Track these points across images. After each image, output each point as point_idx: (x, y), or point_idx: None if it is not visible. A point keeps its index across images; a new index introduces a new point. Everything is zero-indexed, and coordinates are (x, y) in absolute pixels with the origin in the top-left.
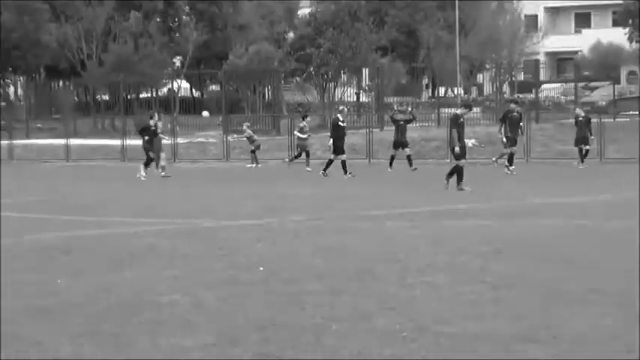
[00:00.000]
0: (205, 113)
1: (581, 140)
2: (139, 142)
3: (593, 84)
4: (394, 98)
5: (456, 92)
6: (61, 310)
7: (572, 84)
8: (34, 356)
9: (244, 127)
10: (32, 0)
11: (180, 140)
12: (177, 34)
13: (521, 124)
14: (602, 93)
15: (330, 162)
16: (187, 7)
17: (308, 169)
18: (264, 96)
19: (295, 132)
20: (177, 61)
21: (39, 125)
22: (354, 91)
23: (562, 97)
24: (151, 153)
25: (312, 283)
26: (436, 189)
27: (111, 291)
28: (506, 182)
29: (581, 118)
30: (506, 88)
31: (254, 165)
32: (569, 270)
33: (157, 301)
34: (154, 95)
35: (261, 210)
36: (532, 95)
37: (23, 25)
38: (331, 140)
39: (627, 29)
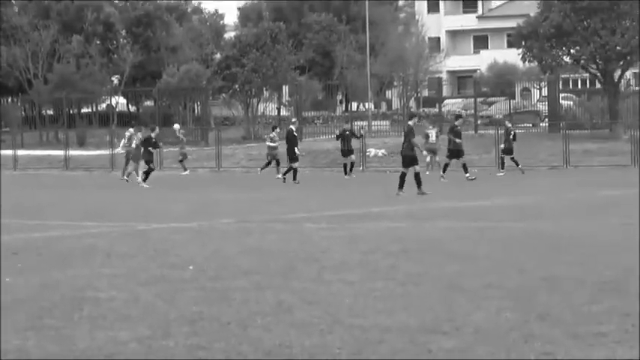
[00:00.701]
0: (176, 126)
1: (508, 151)
2: (80, 152)
3: (490, 99)
4: (311, 112)
5: (366, 107)
6: (7, 306)
7: (472, 99)
8: None
9: (176, 128)
10: None
11: (118, 151)
12: (115, 56)
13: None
14: (499, 107)
15: (291, 169)
16: (124, 31)
17: (278, 176)
18: (193, 110)
19: (267, 142)
20: (116, 79)
21: None
22: (275, 106)
23: (463, 110)
24: (152, 165)
25: (238, 279)
26: (352, 194)
27: (54, 288)
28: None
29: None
30: (412, 103)
31: (186, 173)
32: (470, 267)
33: (97, 297)
34: (95, 110)
35: (193, 213)
36: (436, 109)
37: None
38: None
39: (520, 50)
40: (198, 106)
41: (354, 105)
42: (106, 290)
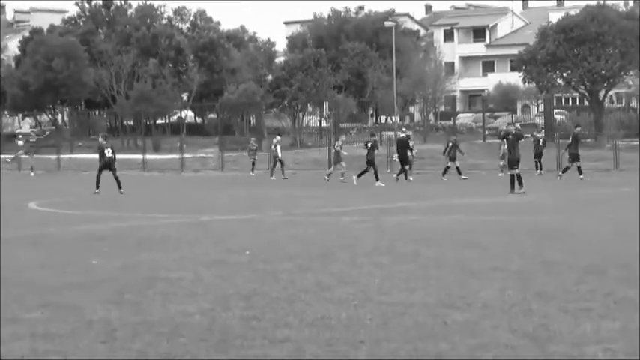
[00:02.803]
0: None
1: (537, 155)
2: (155, 156)
3: (496, 114)
4: (347, 124)
5: (393, 120)
6: (93, 284)
7: (481, 114)
8: (74, 319)
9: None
10: (76, 49)
11: (186, 155)
12: (184, 76)
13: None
14: (503, 121)
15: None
16: (192, 56)
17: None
18: (249, 122)
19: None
20: (185, 96)
21: (80, 144)
22: (317, 118)
23: (473, 123)
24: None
25: (285, 263)
26: (378, 193)
27: (133, 269)
28: (434, 187)
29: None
30: (431, 116)
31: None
32: (478, 253)
33: (168, 276)
34: (167, 121)
35: (249, 208)
36: (451, 122)
37: (69, 68)
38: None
39: (521, 73)
40: (253, 118)
41: (383, 118)
42: (176, 271)
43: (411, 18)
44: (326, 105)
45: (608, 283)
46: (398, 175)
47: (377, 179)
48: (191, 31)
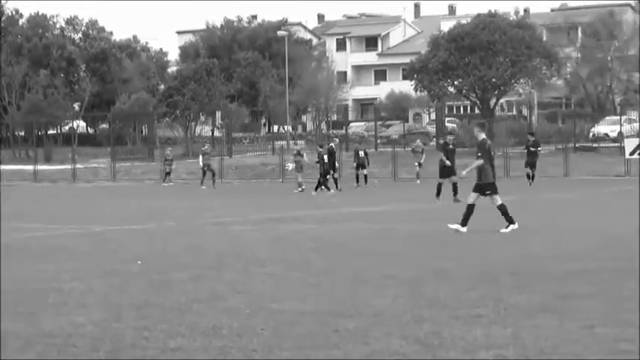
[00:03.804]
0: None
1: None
2: (46, 167)
3: (388, 122)
4: (240, 133)
5: (285, 129)
6: None
7: (373, 123)
8: None
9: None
10: None
11: (78, 165)
12: (76, 86)
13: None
14: (395, 129)
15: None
16: (84, 66)
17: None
18: (141, 132)
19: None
20: (76, 106)
21: None
22: (210, 128)
23: (365, 132)
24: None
25: (179, 272)
26: (272, 201)
27: (25, 280)
28: (325, 197)
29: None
30: (324, 125)
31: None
32: (370, 261)
33: (60, 287)
34: (59, 132)
35: (142, 218)
36: (343, 131)
37: None
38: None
39: (413, 82)
40: (145, 128)
41: (275, 127)
42: (68, 282)
43: (304, 27)
44: (218, 114)
45: (499, 290)
46: (321, 186)
47: (315, 189)
48: (83, 41)
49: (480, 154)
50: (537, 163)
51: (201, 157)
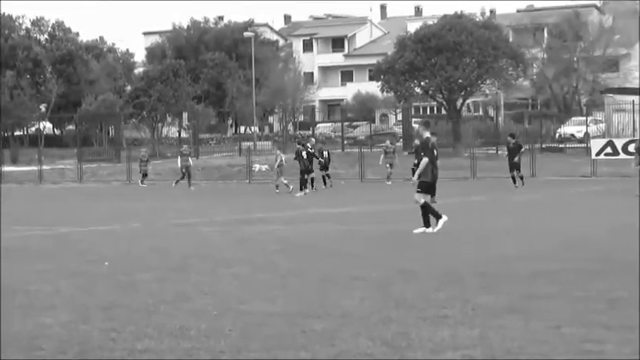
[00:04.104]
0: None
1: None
2: (12, 168)
3: (354, 123)
4: (206, 134)
5: (252, 130)
6: None
7: (339, 123)
8: None
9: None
10: None
11: (45, 167)
12: (42, 88)
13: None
14: (362, 130)
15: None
16: (50, 67)
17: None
18: (108, 133)
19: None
20: (43, 107)
21: None
22: (177, 129)
23: (332, 133)
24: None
25: (145, 273)
26: (239, 202)
27: None
28: (290, 197)
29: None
30: (290, 126)
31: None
32: (339, 262)
33: (26, 289)
34: (25, 133)
35: (108, 219)
36: (310, 132)
37: None
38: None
39: (379, 83)
40: (112, 129)
41: (242, 128)
42: (35, 283)
43: (271, 28)
44: (185, 115)
45: (466, 291)
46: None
47: (300, 189)
48: (49, 43)
49: (422, 153)
50: (505, 164)
51: (179, 158)
